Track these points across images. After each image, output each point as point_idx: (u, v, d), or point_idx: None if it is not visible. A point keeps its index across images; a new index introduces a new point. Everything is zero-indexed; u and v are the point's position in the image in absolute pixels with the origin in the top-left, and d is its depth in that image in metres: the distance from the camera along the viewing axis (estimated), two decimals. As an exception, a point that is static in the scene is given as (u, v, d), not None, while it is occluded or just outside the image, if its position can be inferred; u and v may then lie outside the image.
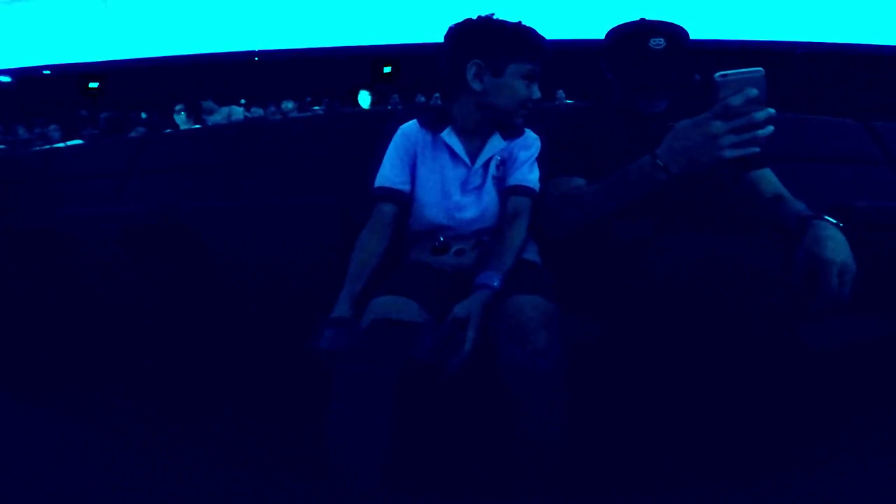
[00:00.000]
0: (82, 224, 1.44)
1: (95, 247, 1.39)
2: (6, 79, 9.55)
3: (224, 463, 1.05)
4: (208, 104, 5.22)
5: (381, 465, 0.85)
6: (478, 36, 1.06)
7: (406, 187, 1.11)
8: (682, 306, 0.82)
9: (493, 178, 1.10)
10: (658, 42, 1.04)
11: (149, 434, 1.16)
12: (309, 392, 1.20)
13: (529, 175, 1.11)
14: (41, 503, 0.93)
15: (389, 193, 1.10)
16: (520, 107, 1.08)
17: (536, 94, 1.08)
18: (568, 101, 4.84)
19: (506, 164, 1.12)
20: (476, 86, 1.06)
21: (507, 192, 1.10)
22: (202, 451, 1.10)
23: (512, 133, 1.13)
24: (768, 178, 1.09)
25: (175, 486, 0.98)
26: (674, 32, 1.06)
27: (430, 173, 1.11)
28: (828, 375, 0.97)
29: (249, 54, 9.24)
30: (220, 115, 5.21)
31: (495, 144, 1.11)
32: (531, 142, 1.14)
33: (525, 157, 1.11)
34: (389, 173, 1.12)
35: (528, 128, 1.16)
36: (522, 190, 1.09)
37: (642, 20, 1.09)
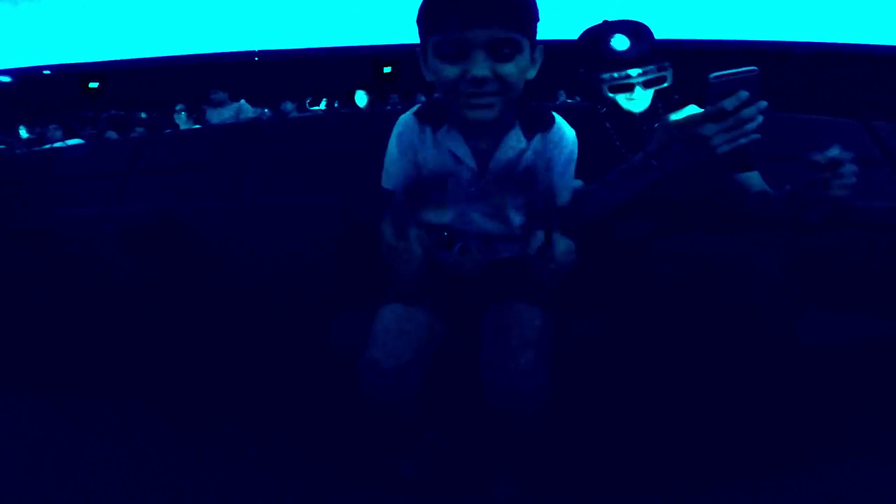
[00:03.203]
0: (82, 224, 1.44)
1: (95, 247, 1.39)
2: (6, 79, 9.55)
3: (225, 463, 1.05)
4: (219, 95, 4.99)
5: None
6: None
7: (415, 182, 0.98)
8: (682, 305, 0.82)
9: (517, 185, 0.92)
10: (621, 41, 1.05)
11: (149, 434, 1.16)
12: (309, 391, 1.20)
13: (560, 190, 0.92)
14: (41, 503, 0.93)
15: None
16: (457, 96, 0.80)
17: (473, 71, 0.77)
18: (569, 101, 4.84)
19: (534, 169, 0.91)
20: (427, 77, 0.84)
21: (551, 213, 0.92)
22: (202, 450, 1.10)
23: (538, 124, 0.91)
24: (756, 180, 1.10)
25: (175, 486, 0.98)
26: (636, 29, 1.07)
27: (432, 174, 0.96)
28: (827, 375, 0.97)
29: (249, 54, 9.23)
30: (229, 111, 5.02)
31: (513, 144, 0.90)
32: (566, 139, 0.93)
33: (556, 162, 0.91)
34: (393, 172, 0.97)
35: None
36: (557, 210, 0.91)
37: (605, 22, 1.10)
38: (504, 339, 0.85)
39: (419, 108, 0.95)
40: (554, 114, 0.94)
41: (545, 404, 0.86)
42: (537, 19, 0.81)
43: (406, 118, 0.96)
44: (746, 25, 8.13)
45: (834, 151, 0.80)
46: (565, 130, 0.94)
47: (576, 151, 0.94)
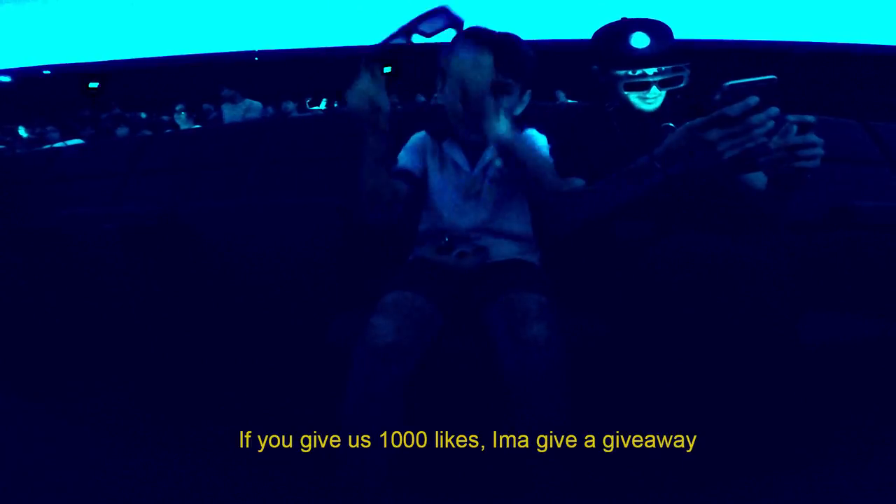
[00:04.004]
0: (82, 224, 1.44)
1: (95, 247, 1.39)
2: (6, 79, 9.56)
3: (224, 463, 1.05)
4: (229, 92, 4.97)
5: (388, 461, 0.86)
6: None
7: (419, 174, 1.14)
8: (682, 306, 0.82)
9: (492, 181, 1.11)
10: (641, 38, 1.04)
11: (149, 434, 1.16)
12: (309, 391, 1.20)
13: (544, 152, 1.09)
14: (41, 503, 0.93)
15: (404, 173, 1.12)
16: (459, 119, 1.06)
17: None
18: (570, 101, 4.83)
19: (507, 159, 1.09)
20: (440, 99, 1.10)
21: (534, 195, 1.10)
22: (202, 450, 1.10)
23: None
24: (761, 180, 1.10)
25: (174, 486, 0.98)
26: (657, 29, 1.06)
27: (438, 181, 1.14)
28: (827, 375, 0.97)
29: (249, 54, 9.25)
30: (239, 109, 4.97)
31: (493, 148, 1.10)
32: (535, 136, 1.14)
33: (533, 144, 1.10)
34: (405, 158, 1.14)
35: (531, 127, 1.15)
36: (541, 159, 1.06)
37: (624, 19, 1.10)
38: (514, 316, 0.88)
39: (430, 128, 1.18)
40: (529, 128, 1.14)
41: (564, 384, 0.85)
42: (531, 71, 1.06)
43: (418, 134, 1.19)
44: (747, 25, 8.14)
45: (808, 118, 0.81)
46: (535, 133, 1.15)
47: (546, 147, 1.12)
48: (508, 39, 1.05)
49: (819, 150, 0.82)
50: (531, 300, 0.91)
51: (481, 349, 0.92)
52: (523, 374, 0.84)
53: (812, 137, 0.81)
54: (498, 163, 1.10)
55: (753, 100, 0.76)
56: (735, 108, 0.76)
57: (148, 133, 4.77)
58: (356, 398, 0.87)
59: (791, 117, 0.79)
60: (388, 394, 0.86)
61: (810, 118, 0.81)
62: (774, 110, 0.77)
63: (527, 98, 1.09)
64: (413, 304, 0.93)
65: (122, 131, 4.81)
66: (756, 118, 0.76)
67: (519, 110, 1.09)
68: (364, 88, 0.88)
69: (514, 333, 0.86)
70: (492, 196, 1.11)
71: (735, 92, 0.76)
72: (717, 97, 0.77)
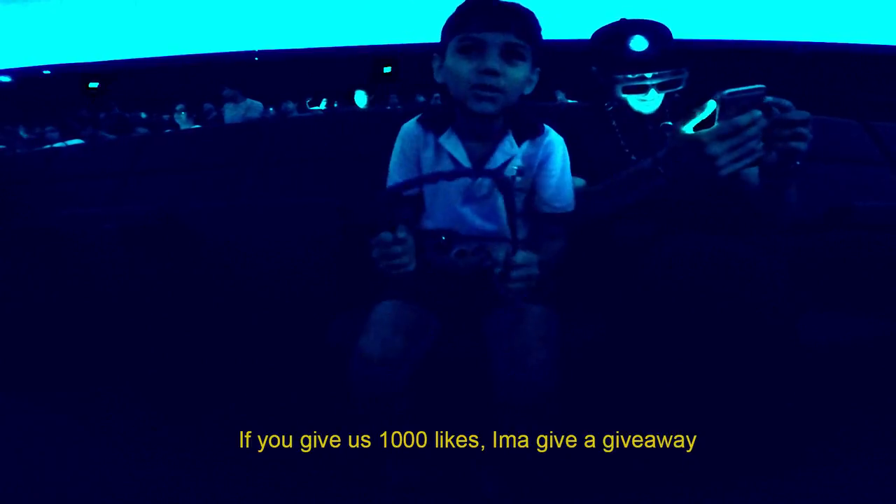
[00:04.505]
0: (82, 224, 1.44)
1: (95, 247, 1.39)
2: (6, 79, 9.56)
3: (224, 463, 1.05)
4: (230, 92, 4.97)
5: (389, 458, 0.89)
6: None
7: (415, 190, 1.02)
8: (682, 306, 0.82)
9: (502, 189, 0.97)
10: (640, 42, 1.04)
11: (148, 434, 1.16)
12: (308, 391, 1.20)
13: (561, 193, 0.98)
14: (41, 503, 0.93)
15: (403, 200, 1.02)
16: (467, 87, 0.90)
17: (487, 64, 0.87)
18: (570, 102, 4.82)
19: (526, 173, 0.98)
20: (438, 78, 0.96)
21: (540, 217, 0.99)
22: (202, 451, 1.10)
23: (528, 132, 0.99)
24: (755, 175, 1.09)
25: (175, 486, 0.98)
26: (656, 31, 1.06)
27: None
28: (828, 375, 0.97)
29: (249, 54, 9.25)
30: (240, 108, 4.97)
31: (507, 149, 0.97)
32: (555, 145, 0.99)
33: (552, 167, 0.98)
34: (397, 177, 1.03)
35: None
36: (559, 217, 0.98)
37: (623, 20, 1.09)
38: (518, 336, 0.86)
39: (422, 116, 1.03)
40: (545, 125, 1.01)
41: (555, 399, 0.86)
42: (541, 44, 0.93)
43: (410, 125, 1.03)
44: (747, 25, 8.13)
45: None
46: (554, 137, 1.00)
47: (567, 155, 1.01)
48: (519, 5, 0.93)
49: (808, 132, 0.80)
50: (533, 318, 0.89)
51: (481, 352, 0.92)
52: (515, 396, 0.85)
53: (796, 114, 0.78)
54: (519, 180, 0.98)
55: (757, 113, 0.75)
56: (744, 119, 0.75)
57: (147, 132, 4.78)
58: (355, 405, 0.89)
59: (770, 98, 0.78)
60: (387, 400, 0.88)
61: (787, 102, 0.79)
62: (764, 121, 0.77)
63: (535, 78, 0.95)
64: (405, 315, 0.91)
65: (120, 132, 4.81)
66: (752, 131, 0.76)
67: (528, 90, 0.95)
68: (386, 243, 0.79)
69: (512, 357, 0.85)
70: (494, 201, 0.97)
71: (736, 103, 0.76)
72: (716, 107, 0.77)
